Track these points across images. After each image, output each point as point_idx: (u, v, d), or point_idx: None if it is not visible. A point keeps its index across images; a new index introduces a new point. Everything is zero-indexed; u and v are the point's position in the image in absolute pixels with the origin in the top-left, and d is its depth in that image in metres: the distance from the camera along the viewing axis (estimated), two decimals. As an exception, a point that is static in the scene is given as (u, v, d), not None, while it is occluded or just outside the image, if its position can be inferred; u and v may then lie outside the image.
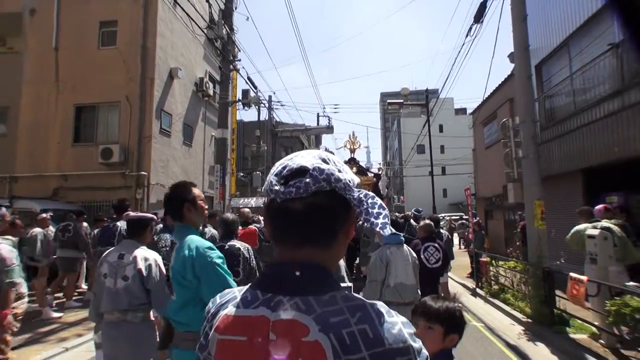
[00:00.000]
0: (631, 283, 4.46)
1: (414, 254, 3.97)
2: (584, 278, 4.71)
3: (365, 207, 0.81)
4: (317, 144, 33.72)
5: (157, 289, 2.89)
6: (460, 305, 1.80)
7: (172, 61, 14.03)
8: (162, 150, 13.27)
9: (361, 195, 0.82)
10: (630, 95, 7.20)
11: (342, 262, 3.77)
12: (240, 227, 5.10)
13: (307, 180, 0.78)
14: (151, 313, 2.99)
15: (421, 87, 19.37)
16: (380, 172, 13.35)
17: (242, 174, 28.15)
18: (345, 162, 13.79)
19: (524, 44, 6.93)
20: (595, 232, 4.97)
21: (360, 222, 3.28)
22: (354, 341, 0.70)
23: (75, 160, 12.58)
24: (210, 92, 16.61)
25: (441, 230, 7.71)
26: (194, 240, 2.22)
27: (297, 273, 0.78)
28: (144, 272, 2.85)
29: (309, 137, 37.14)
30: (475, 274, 9.35)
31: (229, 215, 3.99)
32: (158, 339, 2.81)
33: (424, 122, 17.14)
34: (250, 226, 6.33)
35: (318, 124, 34.08)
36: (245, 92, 12.90)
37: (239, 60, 12.68)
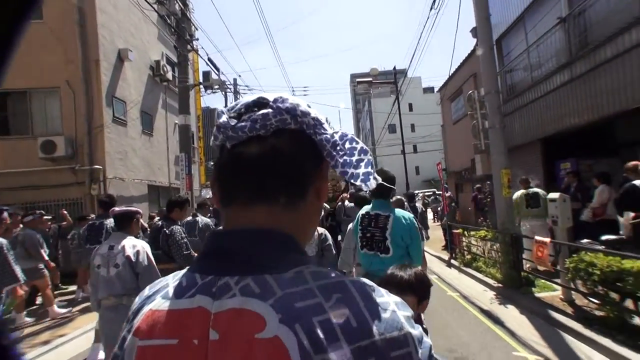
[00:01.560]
0: (585, 240, 4.93)
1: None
2: (547, 240, 5.12)
3: (341, 152, 0.66)
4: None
5: (145, 272, 3.21)
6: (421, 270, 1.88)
7: (120, 41, 13.43)
8: (118, 141, 12.91)
9: (336, 137, 0.66)
10: (577, 68, 7.85)
11: (329, 235, 3.85)
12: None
13: (266, 111, 0.63)
14: None
15: (391, 67, 19.58)
16: None
17: (212, 163, 27.76)
18: None
19: (484, 13, 7.24)
20: (555, 195, 5.41)
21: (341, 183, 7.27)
22: (330, 333, 0.51)
23: (8, 156, 11.31)
24: (169, 76, 15.96)
25: (416, 204, 8.25)
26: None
27: (249, 243, 0.61)
28: (132, 259, 3.18)
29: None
30: (449, 246, 10.00)
31: None
32: None
33: (394, 101, 17.54)
34: None
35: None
36: (206, 74, 12.69)
37: (197, 39, 12.42)
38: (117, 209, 3.63)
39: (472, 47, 14.13)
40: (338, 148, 0.66)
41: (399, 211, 2.98)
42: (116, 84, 13.11)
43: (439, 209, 17.79)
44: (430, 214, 21.04)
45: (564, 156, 8.74)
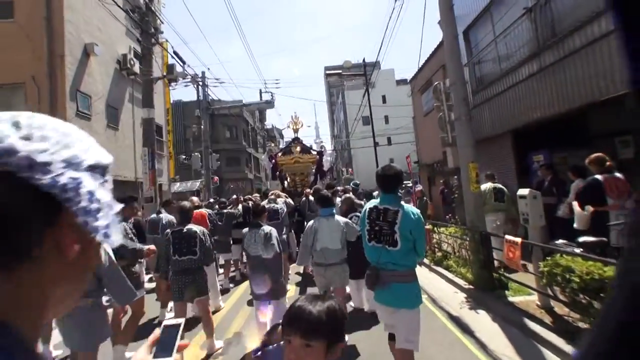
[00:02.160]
0: (561, 241, 4.30)
1: (343, 221, 4.33)
2: (518, 240, 4.49)
3: (78, 199, 0.49)
4: (262, 120, 32.57)
5: (107, 274, 2.99)
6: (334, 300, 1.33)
7: (86, 36, 12.47)
8: (82, 136, 11.88)
9: (68, 181, 0.48)
10: (546, 57, 7.27)
11: (274, 233, 4.09)
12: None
13: None
14: (103, 300, 3.11)
15: (366, 59, 18.70)
16: (322, 150, 12.81)
17: (184, 157, 26.65)
18: (291, 143, 13.15)
19: (448, 3, 6.55)
20: (525, 191, 4.77)
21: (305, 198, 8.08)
22: None
23: None
24: (137, 69, 14.85)
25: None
26: (411, 208, 2.92)
27: None
28: None
29: (252, 114, 35.88)
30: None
31: (186, 204, 4.46)
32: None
33: (364, 92, 16.78)
34: (200, 210, 6.56)
35: (272, 107, 32.91)
36: (170, 67, 11.69)
37: (162, 32, 11.40)
38: None
39: (441, 39, 13.50)
40: (72, 194, 0.49)
41: (407, 206, 2.91)
42: (81, 78, 12.12)
43: (409, 201, 17.26)
44: None
45: (536, 148, 8.14)
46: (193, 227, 4.17)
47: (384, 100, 41.87)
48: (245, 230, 4.25)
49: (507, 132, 8.77)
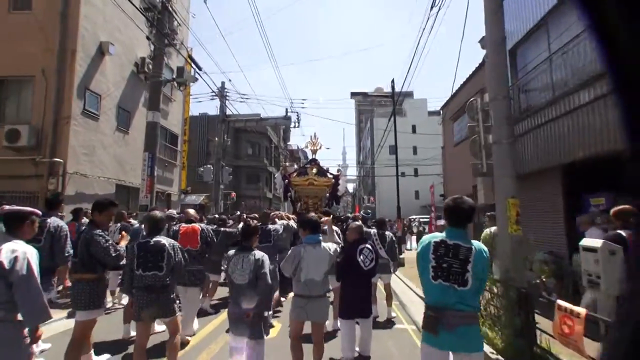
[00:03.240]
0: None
1: (332, 249, 3.95)
2: (582, 311, 3.07)
3: None
4: (285, 140, 31.88)
5: (21, 283, 2.53)
6: None
7: (103, 34, 11.98)
8: (85, 135, 11.20)
9: None
10: None
11: (266, 260, 3.67)
12: (183, 224, 5.81)
13: None
14: (18, 314, 2.59)
15: (399, 88, 17.45)
16: (339, 173, 11.68)
17: (202, 169, 26.06)
18: (307, 164, 12.18)
19: (494, 5, 5.34)
20: (594, 243, 3.37)
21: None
22: None
23: None
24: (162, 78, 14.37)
25: (386, 232, 6.69)
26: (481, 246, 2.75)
27: None
28: (6, 266, 2.49)
29: (277, 132, 35.30)
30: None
31: (157, 213, 4.12)
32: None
33: (396, 124, 15.58)
34: (193, 224, 5.84)
35: (289, 124, 32.24)
36: (180, 70, 10.96)
37: (176, 33, 10.72)
38: (7, 207, 3.05)
39: (479, 63, 12.27)
40: None
41: (477, 243, 2.73)
42: (92, 76, 11.53)
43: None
44: (414, 242, 19.08)
45: (592, 189, 6.64)
46: (162, 239, 3.77)
47: (414, 130, 40.56)
48: (232, 252, 3.79)
49: (556, 167, 7.32)
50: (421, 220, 20.88)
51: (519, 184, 5.22)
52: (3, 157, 10.13)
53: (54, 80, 10.48)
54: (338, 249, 4.11)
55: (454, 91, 14.44)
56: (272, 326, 4.45)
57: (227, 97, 19.55)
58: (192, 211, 6.53)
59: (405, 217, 19.07)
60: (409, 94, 49.52)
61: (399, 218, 15.41)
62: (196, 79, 11.80)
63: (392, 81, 15.50)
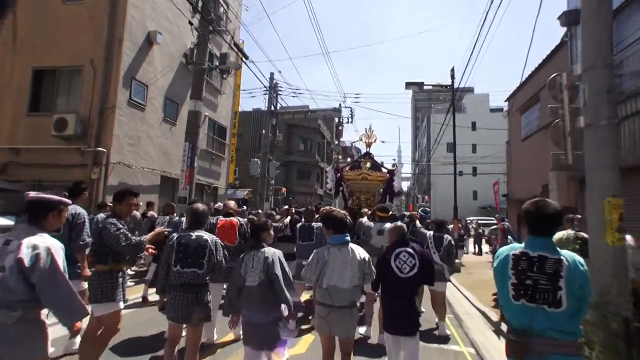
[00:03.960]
0: None
1: (362, 256, 3.35)
2: None
3: None
4: (338, 136, 31.05)
5: (44, 283, 2.26)
6: None
7: (151, 24, 11.84)
8: (131, 125, 11.09)
9: None
10: None
11: (277, 257, 3.31)
12: (221, 218, 5.35)
13: None
14: (42, 313, 2.38)
15: (459, 82, 15.81)
16: (394, 168, 10.63)
17: (257, 160, 25.99)
18: (361, 157, 11.37)
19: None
20: None
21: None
22: None
23: (30, 132, 10.60)
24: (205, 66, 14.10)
25: (444, 235, 5.85)
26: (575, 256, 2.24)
27: None
28: (26, 263, 2.21)
29: (330, 128, 34.56)
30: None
31: (200, 205, 3.74)
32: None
33: (455, 117, 14.03)
34: (231, 218, 5.36)
35: (340, 117, 31.32)
36: (223, 56, 10.47)
37: (222, 19, 10.22)
38: (32, 193, 2.58)
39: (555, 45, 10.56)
40: None
41: (569, 254, 2.20)
42: (139, 66, 11.40)
43: (494, 239, 13.93)
44: (470, 245, 17.47)
45: None
46: (204, 234, 3.46)
47: (474, 127, 37.96)
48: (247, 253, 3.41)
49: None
50: (480, 222, 19.04)
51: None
52: (51, 146, 10.24)
53: (102, 69, 10.44)
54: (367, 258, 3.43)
55: (523, 79, 12.71)
56: (296, 335, 4.00)
57: (280, 92, 19.12)
58: (232, 203, 6.02)
59: (462, 219, 17.51)
60: (469, 90, 46.64)
61: (455, 219, 13.97)
62: (239, 66, 11.30)
63: (452, 70, 14.04)
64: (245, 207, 15.45)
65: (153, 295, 6.24)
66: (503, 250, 2.43)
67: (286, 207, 9.33)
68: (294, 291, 3.35)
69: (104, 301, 3.46)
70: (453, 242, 6.16)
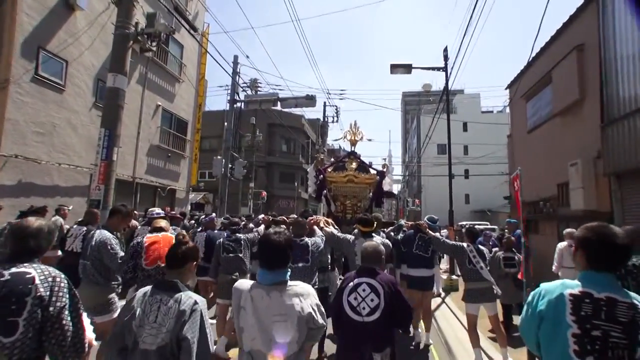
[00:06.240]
0: None
1: (306, 305, 1.99)
2: None
3: None
4: (322, 136, 28.56)
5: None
6: None
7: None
8: (38, 108, 8.44)
9: None
10: None
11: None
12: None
13: None
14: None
15: (449, 86, 13.12)
16: (384, 170, 8.16)
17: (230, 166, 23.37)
18: (346, 156, 9.00)
19: None
20: None
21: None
22: None
23: None
24: (153, 46, 11.29)
25: (482, 249, 4.88)
26: None
27: None
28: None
29: (315, 129, 32.04)
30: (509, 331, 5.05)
31: (30, 222, 2.32)
32: None
33: (446, 119, 11.61)
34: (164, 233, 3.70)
35: (324, 115, 28.84)
36: (151, 17, 7.89)
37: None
38: None
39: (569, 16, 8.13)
40: None
41: (637, 296, 1.59)
42: (52, 33, 8.77)
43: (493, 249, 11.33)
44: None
45: None
46: (36, 270, 2.10)
47: (465, 128, 35.69)
48: (144, 290, 2.20)
49: None
50: (477, 227, 16.62)
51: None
52: None
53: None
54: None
55: (529, 60, 10.30)
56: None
57: (259, 88, 16.63)
58: (163, 222, 3.93)
59: (454, 224, 15.13)
60: (460, 91, 44.49)
61: (450, 225, 11.49)
62: (172, 30, 8.73)
63: (445, 49, 11.64)
64: (198, 214, 12.76)
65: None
66: (551, 288, 1.72)
67: (262, 216, 7.56)
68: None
69: None
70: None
